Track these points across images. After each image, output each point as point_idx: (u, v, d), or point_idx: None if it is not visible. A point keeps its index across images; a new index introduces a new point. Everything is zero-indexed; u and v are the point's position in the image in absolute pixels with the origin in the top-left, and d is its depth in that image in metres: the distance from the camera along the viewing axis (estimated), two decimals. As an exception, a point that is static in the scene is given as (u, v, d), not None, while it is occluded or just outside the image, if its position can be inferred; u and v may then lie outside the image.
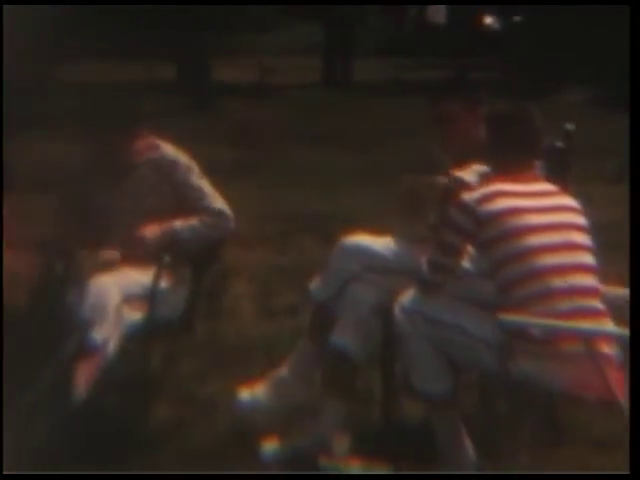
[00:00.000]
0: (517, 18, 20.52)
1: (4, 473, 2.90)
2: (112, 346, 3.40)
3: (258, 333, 4.62)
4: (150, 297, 3.56)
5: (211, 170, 3.93)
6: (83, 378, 3.28)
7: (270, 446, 3.36)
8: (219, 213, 3.79)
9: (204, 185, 3.82)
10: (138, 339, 3.58)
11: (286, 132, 11.00)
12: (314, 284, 3.73)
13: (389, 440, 3.34)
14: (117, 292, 3.46)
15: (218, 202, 3.81)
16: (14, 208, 3.77)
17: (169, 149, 3.84)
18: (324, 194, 7.90)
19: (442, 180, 3.51)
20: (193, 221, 3.74)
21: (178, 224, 3.73)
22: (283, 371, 3.63)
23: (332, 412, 3.39)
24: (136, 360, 3.69)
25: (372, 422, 3.53)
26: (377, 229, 3.79)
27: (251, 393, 3.60)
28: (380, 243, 3.72)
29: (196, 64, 16.79)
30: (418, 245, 3.63)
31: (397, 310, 3.24)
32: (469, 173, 3.44)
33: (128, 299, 3.51)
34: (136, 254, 3.62)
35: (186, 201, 3.77)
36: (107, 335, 3.37)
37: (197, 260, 3.85)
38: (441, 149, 3.82)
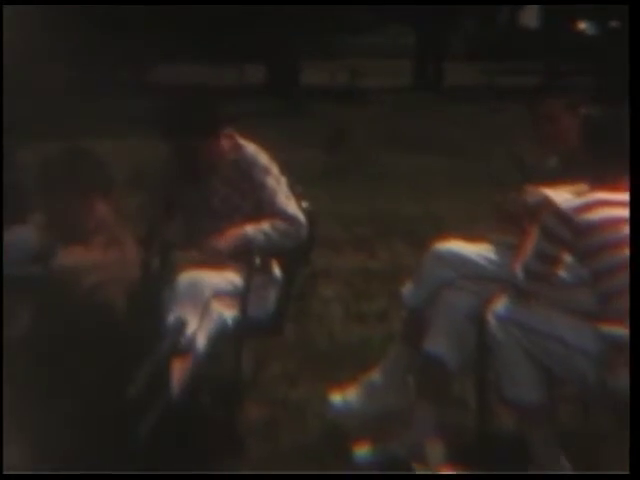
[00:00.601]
0: (614, 23, 20.17)
1: (4, 473, 2.93)
2: (202, 341, 3.41)
3: (348, 337, 4.60)
4: (242, 297, 3.57)
5: (302, 173, 3.94)
6: (176, 377, 3.31)
7: (362, 451, 3.35)
8: (292, 219, 3.72)
9: (281, 188, 3.77)
10: (229, 339, 3.60)
11: (377, 136, 11.00)
12: (406, 289, 3.71)
13: (482, 448, 3.29)
14: (207, 287, 3.47)
15: (292, 207, 3.74)
16: (113, 208, 3.83)
17: (250, 149, 3.83)
18: (415, 198, 7.86)
19: (534, 198, 3.45)
20: (265, 226, 3.68)
21: (250, 231, 3.68)
22: (375, 376, 3.61)
23: (425, 418, 3.35)
24: (227, 361, 3.71)
25: (466, 430, 3.48)
26: (469, 235, 3.75)
27: (343, 397, 3.60)
28: (473, 249, 3.69)
29: (287, 67, 16.88)
30: (512, 252, 3.59)
31: (491, 318, 3.20)
32: (561, 193, 3.39)
33: (218, 295, 3.52)
34: (212, 261, 3.62)
35: (261, 203, 3.74)
36: (195, 330, 3.38)
37: (288, 262, 3.85)
38: (537, 152, 3.77)
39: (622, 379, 2.90)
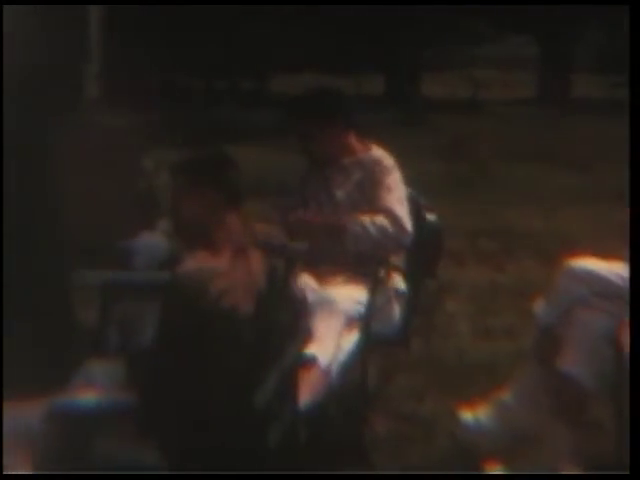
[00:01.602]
0: None
1: (4, 473, 2.92)
2: (334, 368, 3.42)
3: (475, 353, 4.53)
4: (367, 312, 3.55)
5: (423, 184, 3.89)
6: (307, 389, 3.28)
7: (495, 471, 3.26)
8: (395, 219, 3.68)
9: (396, 191, 3.75)
10: (356, 353, 3.57)
11: (499, 148, 10.84)
12: (539, 307, 3.62)
13: (620, 474, 3.17)
14: (340, 317, 3.47)
15: (400, 209, 3.70)
16: (241, 214, 3.84)
17: (377, 151, 3.87)
18: (540, 212, 7.72)
19: None
20: (365, 218, 3.69)
21: (348, 217, 3.69)
22: (507, 395, 3.52)
23: (560, 441, 3.26)
24: (354, 373, 3.67)
25: (603, 454, 3.37)
26: (601, 252, 3.64)
27: (474, 415, 3.52)
28: (607, 267, 3.57)
29: (407, 77, 16.83)
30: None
31: (627, 343, 3.07)
32: None
33: (349, 322, 3.52)
34: (303, 233, 3.61)
35: (373, 199, 3.73)
36: (331, 357, 3.40)
37: (413, 274, 3.79)
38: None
39: None
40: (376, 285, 3.59)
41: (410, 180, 3.81)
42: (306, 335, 3.38)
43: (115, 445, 2.97)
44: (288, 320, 3.38)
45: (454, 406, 3.62)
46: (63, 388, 3.06)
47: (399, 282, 3.80)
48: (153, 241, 4.22)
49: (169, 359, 2.99)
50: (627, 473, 2.55)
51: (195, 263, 2.99)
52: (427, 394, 4.00)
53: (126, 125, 4.77)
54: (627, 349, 3.05)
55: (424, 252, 3.87)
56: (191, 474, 2.92)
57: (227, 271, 3.03)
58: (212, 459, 2.98)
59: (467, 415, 3.53)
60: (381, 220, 3.68)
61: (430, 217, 3.92)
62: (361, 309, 3.57)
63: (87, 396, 3.04)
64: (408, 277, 3.81)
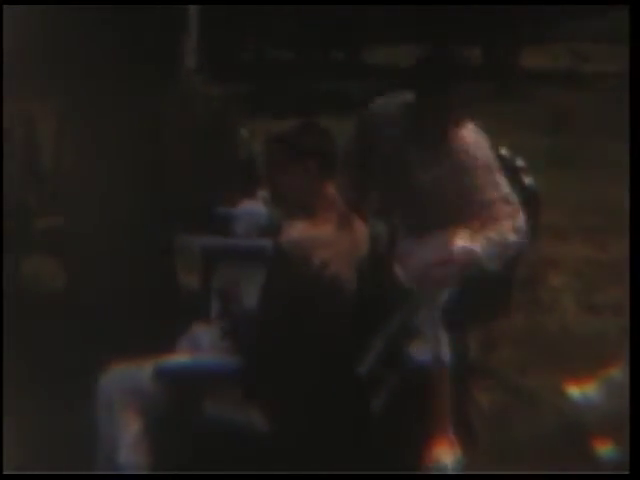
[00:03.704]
0: None
1: (4, 473, 2.91)
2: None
3: (581, 328, 4.45)
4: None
5: (523, 157, 3.77)
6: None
7: (605, 449, 3.20)
8: (517, 230, 3.39)
9: (502, 189, 3.44)
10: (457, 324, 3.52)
11: (602, 122, 10.60)
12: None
13: (620, 474, 3.08)
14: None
15: (519, 219, 3.40)
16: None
17: (477, 142, 3.54)
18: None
19: None
20: (492, 235, 3.35)
21: (479, 247, 3.35)
22: (616, 371, 3.46)
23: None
24: (456, 345, 3.63)
25: None
26: None
27: (581, 390, 3.46)
28: None
29: (505, 49, 16.56)
30: None
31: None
32: None
33: None
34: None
35: (476, 204, 3.40)
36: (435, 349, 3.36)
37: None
38: None
39: None
40: None
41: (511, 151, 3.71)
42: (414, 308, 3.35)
43: (222, 407, 2.98)
44: (392, 288, 3.35)
45: (559, 381, 3.57)
46: (170, 351, 3.09)
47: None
48: (253, 209, 4.24)
49: (273, 325, 2.99)
50: (627, 473, 2.52)
51: (299, 232, 2.98)
52: (532, 368, 3.94)
53: (224, 95, 4.78)
54: None
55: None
56: (191, 474, 2.93)
57: (331, 240, 3.01)
58: (315, 424, 2.98)
59: (574, 390, 3.48)
60: (501, 232, 3.36)
61: (528, 180, 3.80)
62: None
63: (193, 358, 3.07)
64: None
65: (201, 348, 3.16)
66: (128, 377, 2.95)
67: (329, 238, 3.03)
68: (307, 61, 16.99)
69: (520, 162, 3.78)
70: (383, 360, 3.18)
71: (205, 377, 3.06)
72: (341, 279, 3.04)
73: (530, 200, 3.76)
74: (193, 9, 4.76)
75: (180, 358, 3.08)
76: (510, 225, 3.39)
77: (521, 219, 3.41)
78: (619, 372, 3.45)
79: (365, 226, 3.20)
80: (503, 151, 3.75)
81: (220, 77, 5.83)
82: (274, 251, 3.02)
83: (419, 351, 3.36)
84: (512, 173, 3.68)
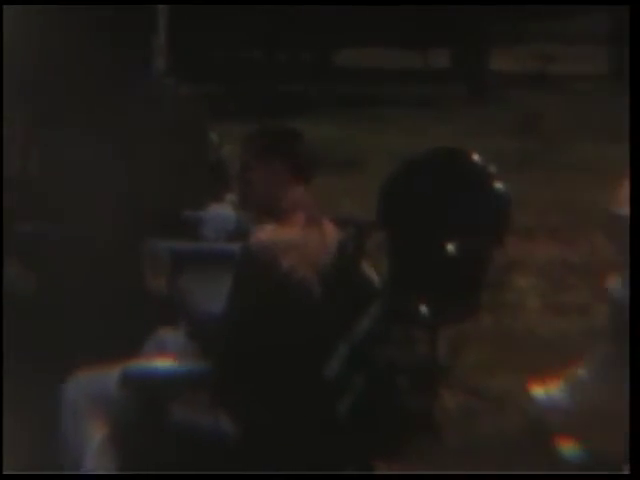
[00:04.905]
0: None
1: (4, 473, 2.92)
2: None
3: (546, 329, 4.49)
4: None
5: (493, 159, 3.82)
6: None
7: (568, 447, 3.23)
8: None
9: None
10: (425, 325, 3.54)
11: (570, 123, 10.70)
12: (613, 285, 3.57)
13: (620, 474, 3.12)
14: None
15: None
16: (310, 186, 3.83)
17: None
18: (610, 189, 7.58)
19: None
20: None
21: None
22: (580, 371, 3.50)
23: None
24: (423, 346, 3.65)
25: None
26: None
27: (546, 390, 3.49)
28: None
29: (475, 51, 16.64)
30: None
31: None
32: None
33: None
34: None
35: None
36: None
37: (481, 246, 3.73)
38: None
39: None
40: None
41: (481, 155, 3.74)
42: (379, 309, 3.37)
43: (189, 411, 2.99)
44: (359, 292, 3.37)
45: (525, 381, 3.60)
46: (136, 355, 3.09)
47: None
48: (222, 212, 4.24)
49: (240, 329, 2.99)
50: (627, 473, 2.51)
51: (267, 235, 2.99)
52: (497, 369, 3.97)
53: (193, 96, 4.78)
54: None
55: (493, 222, 3.80)
56: (191, 474, 2.94)
57: (299, 243, 3.02)
58: (282, 428, 2.99)
59: (538, 390, 3.51)
60: None
61: (498, 186, 3.85)
62: None
63: (160, 363, 3.07)
64: (475, 248, 3.74)
65: (168, 352, 3.16)
66: (94, 383, 2.94)
67: (297, 241, 3.04)
68: (276, 62, 17.01)
69: (492, 168, 3.82)
70: (350, 363, 3.20)
71: (172, 382, 3.05)
72: (309, 282, 3.05)
73: (501, 206, 3.81)
74: (162, 9, 4.75)
75: (147, 363, 3.08)
76: None
77: None
78: (583, 371, 3.49)
79: (334, 229, 3.22)
80: (475, 157, 3.78)
81: (189, 78, 5.83)
82: (242, 254, 3.02)
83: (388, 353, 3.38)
84: (484, 180, 3.74)
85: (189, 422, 3.00)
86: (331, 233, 3.16)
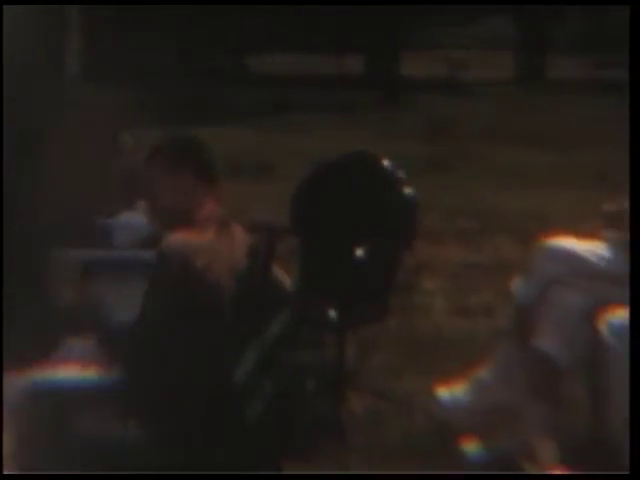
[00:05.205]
0: None
1: (4, 473, 2.93)
2: None
3: (452, 331, 4.57)
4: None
5: (403, 164, 3.89)
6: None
7: (470, 447, 3.31)
8: None
9: None
10: (333, 329, 3.58)
11: (478, 128, 10.88)
12: (516, 285, 3.66)
13: (597, 450, 3.22)
14: None
15: None
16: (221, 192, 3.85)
17: None
18: (518, 192, 7.77)
19: None
20: None
21: None
22: (484, 372, 3.57)
23: (537, 417, 3.30)
24: (331, 350, 3.70)
25: (578, 429, 3.42)
26: (574, 231, 3.68)
27: (451, 392, 3.56)
28: (584, 246, 3.62)
29: (386, 57, 16.80)
30: (624, 250, 3.52)
31: (605, 328, 3.09)
32: None
33: None
34: None
35: None
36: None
37: (391, 250, 3.80)
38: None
39: None
40: None
41: (390, 159, 3.80)
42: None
43: (97, 421, 2.98)
44: (269, 297, 3.40)
45: (431, 383, 3.66)
46: (43, 365, 3.07)
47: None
48: (133, 220, 4.24)
49: (151, 336, 3.00)
50: (627, 473, 2.57)
51: (179, 240, 3.01)
52: (404, 371, 4.04)
53: (107, 102, 4.75)
54: (604, 328, 3.09)
55: (401, 226, 3.87)
56: (191, 474, 2.96)
57: (210, 248, 3.05)
58: (192, 435, 3.01)
59: (444, 392, 3.58)
60: None
61: (407, 191, 3.91)
62: None
63: (67, 373, 3.06)
64: (385, 253, 3.81)
65: (76, 361, 3.16)
66: (-1, 394, 2.92)
67: (208, 246, 3.06)
68: (192, 67, 16.93)
69: (401, 174, 3.88)
70: (259, 368, 3.23)
71: (80, 391, 3.05)
72: (221, 287, 3.07)
73: (409, 210, 3.88)
74: (75, 10, 4.71)
75: (54, 373, 3.07)
76: None
77: None
78: (486, 372, 3.56)
79: (245, 234, 3.24)
80: (385, 163, 3.84)
81: (103, 82, 5.79)
82: (155, 259, 3.04)
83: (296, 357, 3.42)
84: (393, 184, 3.80)
85: (96, 432, 3.00)
86: (242, 238, 3.19)
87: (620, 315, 3.12)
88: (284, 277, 3.52)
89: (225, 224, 3.13)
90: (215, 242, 3.06)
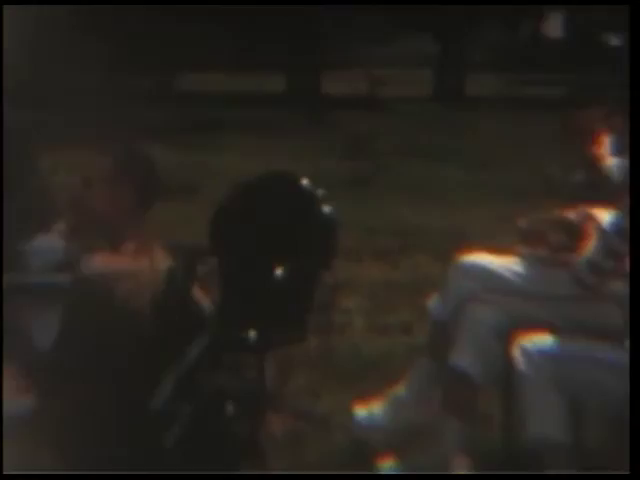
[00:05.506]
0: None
1: (4, 473, 2.92)
2: None
3: (371, 349, 4.59)
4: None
5: (323, 182, 3.92)
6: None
7: (387, 465, 3.33)
8: None
9: None
10: (252, 351, 3.58)
11: (397, 146, 10.98)
12: (432, 302, 3.70)
13: (511, 464, 3.26)
14: None
15: None
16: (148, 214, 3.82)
17: None
18: (437, 210, 7.85)
19: (568, 218, 3.45)
20: None
21: None
22: (401, 389, 3.59)
23: (452, 433, 3.33)
24: (252, 371, 3.69)
25: (494, 445, 3.46)
26: (492, 248, 3.73)
27: (369, 411, 3.57)
28: (499, 262, 3.66)
29: (307, 76, 16.88)
30: (539, 266, 3.58)
31: (518, 353, 3.10)
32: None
33: None
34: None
35: None
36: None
37: (309, 270, 3.82)
38: (564, 165, 3.76)
39: None
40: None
41: (310, 177, 3.82)
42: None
43: (16, 450, 2.94)
44: (188, 320, 3.39)
45: (349, 402, 3.68)
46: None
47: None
48: (48, 242, 4.18)
49: (70, 362, 2.97)
50: (627, 473, 2.58)
51: (99, 264, 2.98)
52: (324, 391, 4.04)
53: (27, 123, 4.69)
54: (516, 349, 3.10)
55: (320, 245, 3.89)
56: (191, 474, 2.92)
57: (130, 272, 3.02)
58: (111, 461, 2.98)
59: (361, 411, 3.59)
60: None
61: (326, 209, 3.93)
62: None
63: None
64: (303, 273, 3.82)
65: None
66: None
67: (128, 270, 3.04)
68: (115, 86, 16.80)
69: (320, 192, 3.90)
70: (178, 393, 3.21)
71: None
72: (142, 311, 3.05)
73: (327, 229, 3.90)
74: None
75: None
76: None
77: None
78: (403, 390, 3.59)
79: (165, 256, 3.23)
80: (304, 182, 3.86)
81: (22, 103, 5.71)
82: (74, 284, 3.00)
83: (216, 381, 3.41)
84: (312, 204, 3.82)
85: (16, 460, 2.95)
86: (162, 260, 3.17)
87: (532, 339, 3.12)
88: (204, 299, 3.52)
89: (145, 247, 3.11)
90: (134, 266, 3.04)
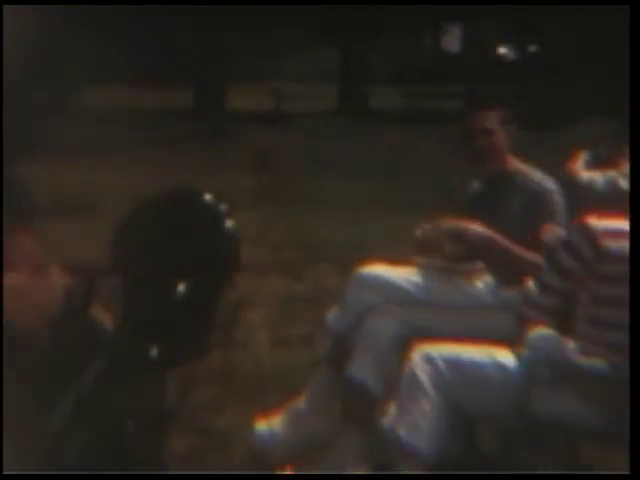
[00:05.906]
0: (532, 48, 20.58)
1: (4, 473, 2.89)
2: None
3: (273, 363, 4.60)
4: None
5: (227, 196, 3.92)
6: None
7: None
8: None
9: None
10: (154, 368, 3.56)
11: (301, 159, 11.03)
12: (331, 314, 3.73)
13: (620, 474, 3.23)
14: None
15: None
16: (38, 233, 3.77)
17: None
18: (340, 222, 7.90)
19: (461, 227, 3.53)
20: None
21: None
22: (300, 402, 3.61)
23: (350, 445, 3.36)
24: (152, 388, 3.68)
25: (391, 456, 3.49)
26: (393, 259, 3.77)
27: (268, 425, 3.59)
28: (398, 273, 3.71)
29: (213, 91, 16.86)
30: (437, 276, 3.64)
31: (417, 360, 3.10)
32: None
33: None
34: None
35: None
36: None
37: (212, 285, 3.82)
38: (462, 174, 3.83)
39: (561, 404, 2.89)
40: None
41: (214, 192, 3.82)
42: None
43: None
44: (85, 340, 3.36)
45: (251, 417, 3.68)
46: None
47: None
48: None
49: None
50: (627, 473, 2.58)
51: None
52: (226, 406, 4.04)
53: None
54: (415, 357, 3.11)
55: (222, 260, 3.89)
56: (191, 474, 2.86)
57: (25, 292, 2.99)
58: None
59: (262, 425, 3.60)
60: None
61: (229, 224, 3.93)
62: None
63: None
64: (206, 288, 3.82)
65: None
66: None
67: (22, 290, 3.00)
68: (14, 102, 16.52)
69: (223, 207, 3.89)
70: (77, 412, 3.18)
71: None
72: (35, 331, 3.02)
73: (230, 243, 3.89)
74: None
75: None
76: None
77: None
78: (302, 403, 3.60)
79: (63, 276, 3.19)
80: (206, 197, 3.85)
81: None
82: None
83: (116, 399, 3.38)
84: (214, 219, 3.81)
85: None
86: (59, 280, 3.14)
87: (430, 348, 3.10)
88: (105, 317, 3.49)
89: (41, 267, 3.08)
90: (29, 287, 3.01)
